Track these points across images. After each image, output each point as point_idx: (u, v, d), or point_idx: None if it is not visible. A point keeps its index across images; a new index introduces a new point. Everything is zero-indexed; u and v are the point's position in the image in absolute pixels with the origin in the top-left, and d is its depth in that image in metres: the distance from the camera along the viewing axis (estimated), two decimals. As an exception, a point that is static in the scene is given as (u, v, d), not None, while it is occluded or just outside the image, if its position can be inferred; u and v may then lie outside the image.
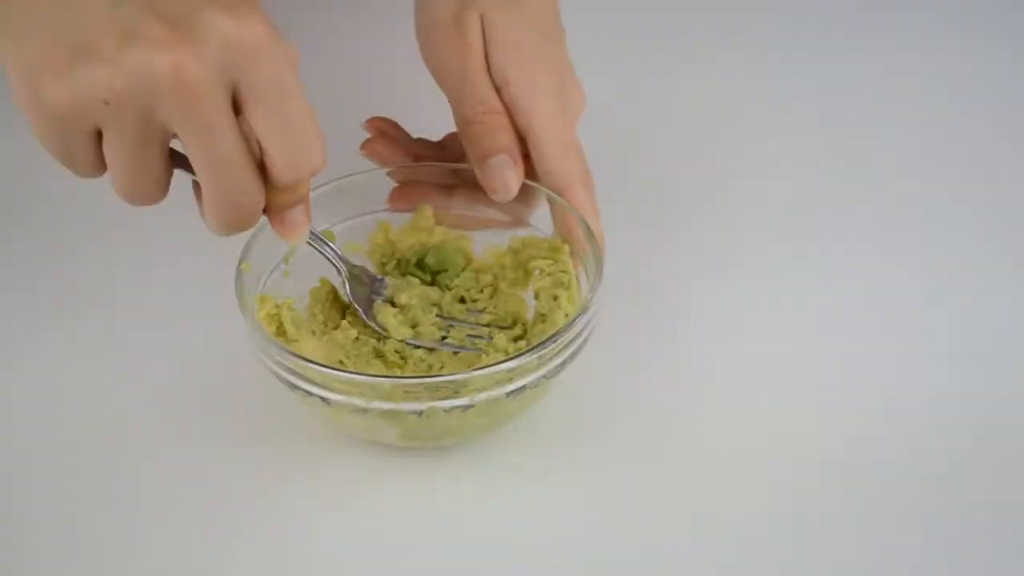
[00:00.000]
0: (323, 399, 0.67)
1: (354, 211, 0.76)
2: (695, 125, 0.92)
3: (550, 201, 0.74)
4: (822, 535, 0.67)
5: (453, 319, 0.74)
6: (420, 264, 0.76)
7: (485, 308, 0.75)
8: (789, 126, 0.92)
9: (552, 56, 0.76)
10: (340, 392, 0.66)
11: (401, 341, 0.72)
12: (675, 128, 0.92)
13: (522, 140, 0.74)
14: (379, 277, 0.74)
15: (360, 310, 0.73)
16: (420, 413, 0.66)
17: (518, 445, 0.71)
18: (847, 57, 0.99)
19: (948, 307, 0.79)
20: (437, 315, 0.74)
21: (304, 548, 0.67)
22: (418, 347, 0.72)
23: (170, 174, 0.62)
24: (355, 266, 0.73)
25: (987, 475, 0.70)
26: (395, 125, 0.81)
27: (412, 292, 0.74)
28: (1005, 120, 0.92)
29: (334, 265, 0.73)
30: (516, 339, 0.72)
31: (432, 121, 0.80)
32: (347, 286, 0.73)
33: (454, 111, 0.76)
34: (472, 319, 0.74)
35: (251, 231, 0.70)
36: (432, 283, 0.76)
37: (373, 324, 0.73)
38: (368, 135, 0.80)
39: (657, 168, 0.89)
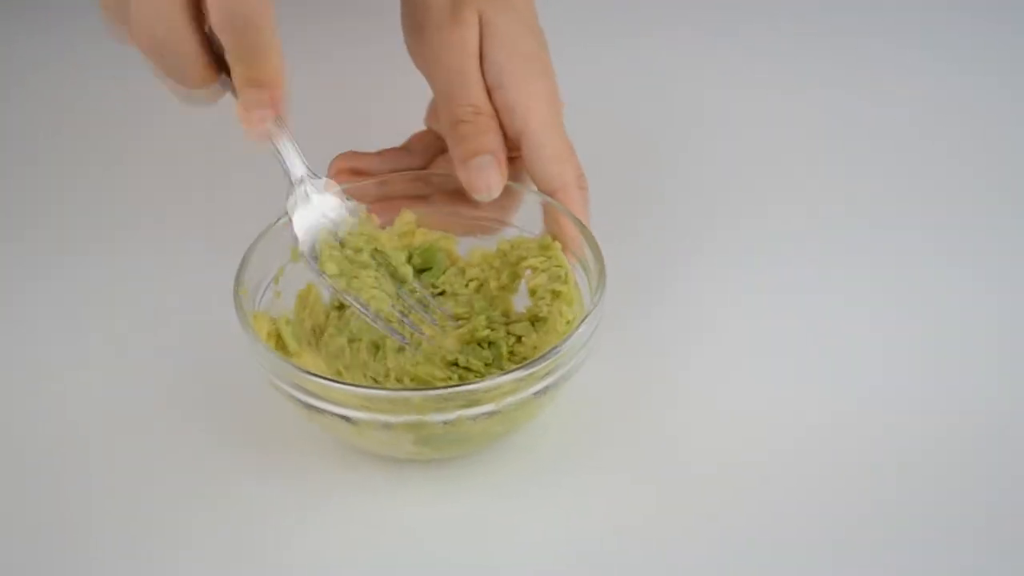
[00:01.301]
0: (346, 418, 0.66)
1: None
2: (693, 130, 0.92)
3: (544, 205, 0.74)
4: (825, 547, 0.67)
5: (406, 296, 0.72)
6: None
7: (470, 302, 0.74)
8: (790, 131, 0.92)
9: (544, 61, 0.76)
10: (366, 410, 0.65)
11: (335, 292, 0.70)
12: (672, 132, 0.92)
13: (511, 143, 0.74)
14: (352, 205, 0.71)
15: (301, 243, 0.70)
16: (447, 423, 0.65)
17: (518, 456, 0.71)
18: (847, 57, 0.99)
19: (953, 314, 0.78)
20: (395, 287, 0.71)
21: (301, 559, 0.67)
22: (346, 302, 0.70)
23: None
24: (320, 179, 0.70)
25: (990, 485, 0.69)
26: (356, 155, 0.78)
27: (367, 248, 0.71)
28: (1009, 119, 0.93)
29: (287, 172, 0.69)
30: (517, 339, 0.73)
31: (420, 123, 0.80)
32: (294, 200, 0.69)
33: (441, 107, 0.75)
34: (423, 299, 0.72)
35: (243, 254, 0.70)
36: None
37: (308, 254, 0.70)
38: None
39: (654, 172, 0.89)
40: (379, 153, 0.79)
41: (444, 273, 0.75)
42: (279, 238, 0.72)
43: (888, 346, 0.76)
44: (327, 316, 0.74)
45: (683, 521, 0.68)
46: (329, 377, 0.67)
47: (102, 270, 0.82)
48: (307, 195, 0.70)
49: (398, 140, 0.80)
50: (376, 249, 0.72)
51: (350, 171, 0.78)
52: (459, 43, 0.74)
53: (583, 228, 0.72)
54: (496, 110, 0.74)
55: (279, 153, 0.69)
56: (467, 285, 0.75)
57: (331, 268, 0.70)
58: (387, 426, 0.66)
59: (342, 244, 0.71)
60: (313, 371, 0.67)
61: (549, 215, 0.74)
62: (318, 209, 0.71)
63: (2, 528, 0.68)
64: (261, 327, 0.70)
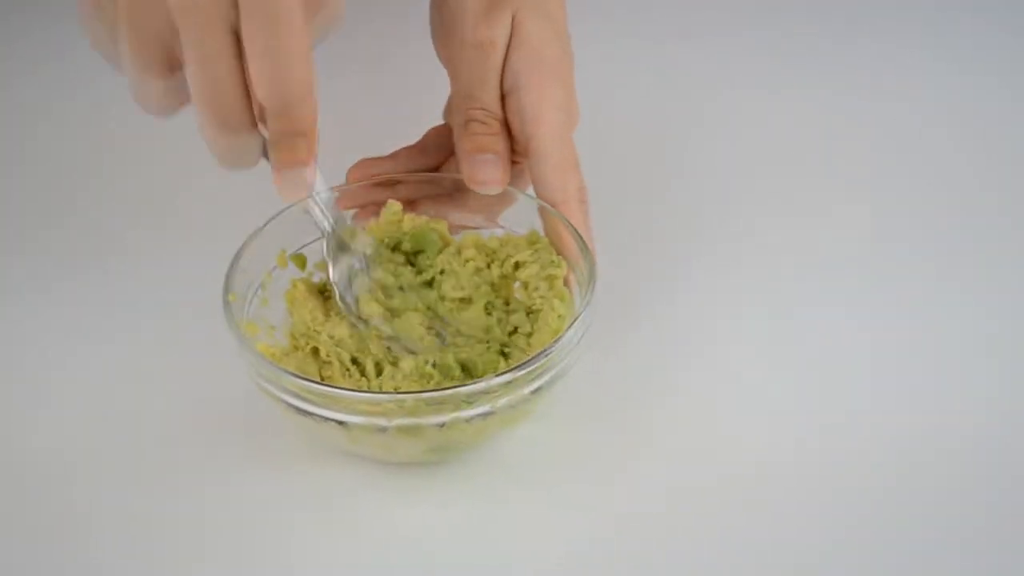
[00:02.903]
0: (340, 422, 0.66)
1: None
2: (693, 130, 0.92)
3: (543, 213, 0.74)
4: (825, 547, 0.67)
5: (442, 324, 0.72)
6: (395, 249, 0.75)
7: (472, 284, 0.74)
8: (790, 133, 0.92)
9: (565, 71, 0.76)
10: (360, 413, 0.65)
11: (378, 337, 0.71)
12: (672, 133, 0.92)
13: (519, 148, 0.75)
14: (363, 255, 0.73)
15: (337, 288, 0.72)
16: (442, 425, 0.65)
17: (517, 457, 0.71)
18: (848, 59, 0.99)
19: (954, 316, 0.78)
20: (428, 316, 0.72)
21: (299, 560, 0.67)
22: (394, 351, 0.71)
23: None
24: (349, 229, 0.72)
25: (990, 485, 0.69)
26: (370, 163, 0.78)
27: (392, 274, 0.73)
28: (1009, 118, 0.93)
29: (322, 229, 0.71)
30: (514, 329, 0.73)
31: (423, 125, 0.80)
32: (329, 254, 0.71)
33: (457, 104, 0.75)
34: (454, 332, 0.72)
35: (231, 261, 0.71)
36: (412, 266, 0.75)
37: (345, 306, 0.72)
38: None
39: (655, 173, 0.89)
40: (393, 155, 0.79)
41: (440, 253, 0.75)
42: (267, 243, 0.72)
43: (889, 347, 0.76)
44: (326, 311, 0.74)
45: (683, 521, 0.68)
46: (321, 381, 0.66)
47: (100, 273, 0.82)
48: (339, 245, 0.72)
49: (415, 136, 0.80)
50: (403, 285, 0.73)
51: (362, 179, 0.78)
52: (488, 46, 0.74)
53: (581, 243, 0.72)
54: (508, 113, 0.75)
55: (311, 209, 0.71)
56: (465, 264, 0.75)
57: (374, 308, 0.72)
58: (382, 430, 0.65)
59: (377, 284, 0.73)
60: (304, 375, 0.67)
61: (548, 226, 0.74)
62: (350, 256, 0.73)
63: (2, 528, 0.68)
64: (253, 333, 0.70)
